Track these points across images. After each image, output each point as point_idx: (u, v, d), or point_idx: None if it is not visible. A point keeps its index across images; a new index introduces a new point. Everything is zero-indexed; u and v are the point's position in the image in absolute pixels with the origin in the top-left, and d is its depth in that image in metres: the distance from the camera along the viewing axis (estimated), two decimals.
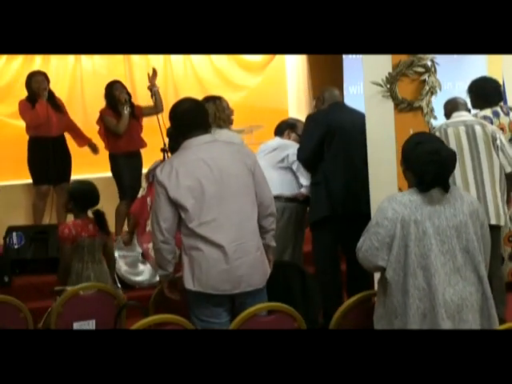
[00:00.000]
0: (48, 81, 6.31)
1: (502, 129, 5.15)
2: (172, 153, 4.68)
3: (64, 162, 6.42)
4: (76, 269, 4.30)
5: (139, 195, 4.88)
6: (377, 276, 3.32)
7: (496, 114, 5.20)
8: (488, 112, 5.19)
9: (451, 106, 4.84)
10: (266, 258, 3.52)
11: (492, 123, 5.16)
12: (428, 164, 2.97)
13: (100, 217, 4.39)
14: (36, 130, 6.25)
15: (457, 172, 4.49)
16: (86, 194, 4.41)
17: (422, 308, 2.97)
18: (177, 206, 3.35)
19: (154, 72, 6.27)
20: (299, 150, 4.71)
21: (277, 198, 4.32)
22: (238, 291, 3.38)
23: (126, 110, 6.16)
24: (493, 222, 4.51)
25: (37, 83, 6.17)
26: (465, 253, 3.01)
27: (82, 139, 6.62)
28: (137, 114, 6.38)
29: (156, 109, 6.27)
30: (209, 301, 3.38)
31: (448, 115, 4.85)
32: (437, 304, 2.95)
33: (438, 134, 4.62)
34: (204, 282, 3.35)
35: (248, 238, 3.40)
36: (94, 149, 6.64)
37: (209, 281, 3.34)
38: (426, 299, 2.96)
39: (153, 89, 6.28)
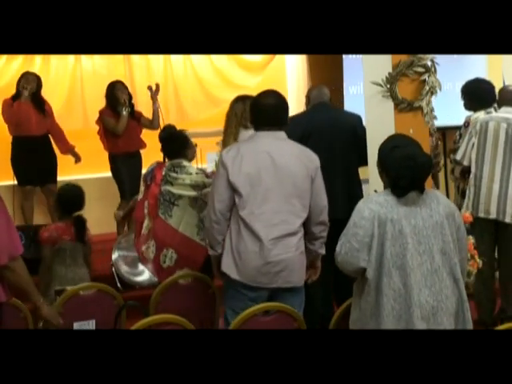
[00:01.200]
0: (39, 82, 6.31)
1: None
2: (167, 156, 4.70)
3: (49, 162, 6.41)
4: (59, 272, 4.35)
5: (138, 199, 4.88)
6: None
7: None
8: (481, 114, 5.19)
9: (504, 97, 4.82)
10: (305, 260, 3.53)
11: None
12: (403, 169, 2.96)
13: (79, 223, 4.43)
14: (16, 129, 6.24)
15: (486, 165, 4.53)
16: (71, 197, 4.48)
17: (398, 308, 2.94)
18: (233, 191, 3.38)
19: (157, 87, 6.29)
20: None
21: None
22: (274, 286, 3.42)
23: (125, 111, 6.16)
24: (508, 220, 4.53)
25: (24, 81, 6.19)
26: (442, 254, 2.99)
27: (64, 145, 6.58)
28: (136, 114, 6.38)
29: (152, 125, 6.29)
30: (245, 292, 3.41)
31: (500, 104, 4.85)
32: (412, 304, 2.91)
33: (478, 125, 4.65)
34: (242, 272, 3.39)
35: (290, 236, 3.42)
36: (77, 157, 6.61)
37: (246, 271, 3.38)
38: (402, 299, 2.94)
39: (153, 106, 6.28)
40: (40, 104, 6.33)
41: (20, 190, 6.41)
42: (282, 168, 3.43)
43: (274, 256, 3.37)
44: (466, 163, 4.71)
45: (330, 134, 4.40)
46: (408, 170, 2.96)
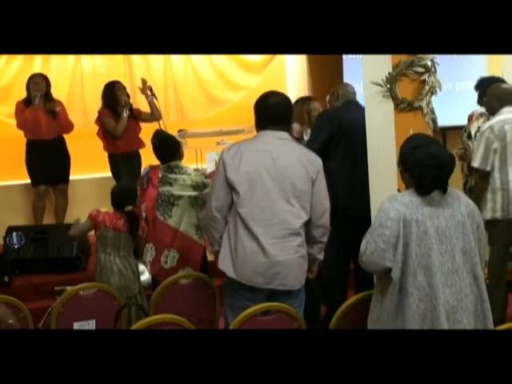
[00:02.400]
0: (48, 84, 6.31)
1: None
2: (161, 160, 4.71)
3: (62, 163, 6.44)
4: (99, 259, 4.44)
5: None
6: None
7: None
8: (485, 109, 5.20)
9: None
10: (306, 264, 3.52)
11: (489, 120, 5.16)
12: (428, 168, 2.97)
13: (131, 217, 4.51)
14: (28, 133, 6.30)
15: (510, 167, 4.48)
16: (121, 192, 4.61)
17: (422, 308, 2.96)
18: (231, 189, 3.38)
19: (144, 82, 6.31)
20: (306, 146, 4.69)
21: None
22: (270, 287, 3.41)
23: (126, 113, 6.16)
24: None
25: (33, 85, 6.21)
26: (462, 254, 3.01)
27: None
28: (136, 113, 6.38)
29: (153, 117, 6.29)
30: (243, 292, 3.41)
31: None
32: (438, 303, 2.94)
33: (496, 131, 4.54)
34: (238, 270, 3.39)
35: (289, 238, 3.41)
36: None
37: (243, 270, 3.38)
38: (427, 299, 2.96)
39: (147, 99, 6.29)
40: (51, 108, 6.32)
41: (33, 190, 6.44)
42: (283, 168, 3.42)
43: (271, 256, 3.36)
44: (488, 168, 4.59)
45: (361, 132, 4.41)
46: (432, 168, 2.97)
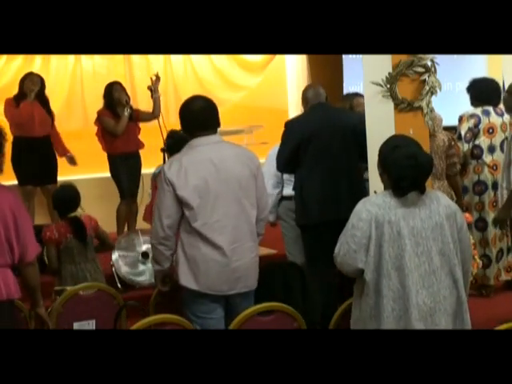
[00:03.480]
0: (43, 83, 6.31)
1: (491, 128, 5.13)
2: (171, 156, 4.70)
3: (49, 163, 6.40)
4: (70, 271, 4.38)
5: (147, 202, 4.88)
6: None
7: (486, 113, 5.17)
8: (478, 110, 5.19)
9: None
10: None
11: (480, 122, 5.15)
12: (405, 168, 2.96)
13: (75, 223, 4.45)
14: (18, 129, 6.22)
15: None
16: (65, 199, 4.52)
17: (397, 309, 2.95)
18: (182, 205, 3.37)
19: (157, 78, 6.27)
20: (276, 158, 4.63)
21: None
22: (234, 292, 3.43)
23: (127, 112, 6.15)
24: None
25: (29, 82, 6.19)
26: (441, 255, 2.99)
27: (62, 148, 6.56)
28: (135, 115, 6.37)
29: (153, 114, 6.28)
30: (206, 298, 3.41)
31: None
32: (410, 305, 2.92)
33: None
34: (202, 282, 3.38)
35: (246, 239, 3.45)
36: (72, 161, 6.58)
37: (207, 281, 3.38)
38: (400, 300, 2.94)
39: (154, 95, 6.27)
40: (45, 104, 6.33)
41: (20, 190, 6.40)
42: (226, 172, 3.41)
43: (233, 262, 3.39)
44: None
45: (331, 134, 4.38)
46: (409, 169, 2.95)
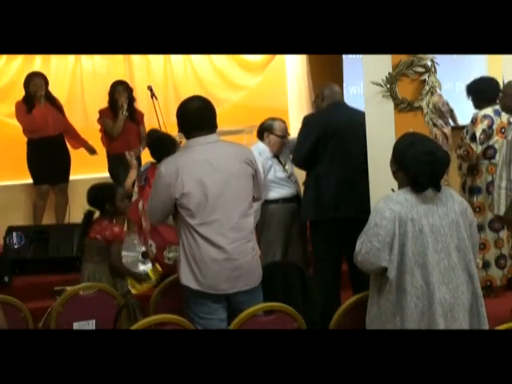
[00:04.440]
0: (47, 83, 6.31)
1: (503, 127, 5.13)
2: (158, 159, 4.68)
3: (63, 161, 6.43)
4: (88, 270, 4.32)
5: (133, 199, 4.87)
6: None
7: (497, 113, 5.18)
8: (489, 111, 5.18)
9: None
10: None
11: (493, 122, 5.15)
12: (424, 165, 2.97)
13: (86, 218, 4.38)
14: (33, 134, 6.27)
15: None
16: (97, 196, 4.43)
17: (421, 306, 2.97)
18: (178, 205, 3.37)
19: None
20: (294, 153, 4.65)
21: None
22: (235, 290, 3.42)
23: (122, 115, 6.15)
24: None
25: (34, 87, 6.19)
26: (457, 251, 3.03)
27: (77, 141, 6.60)
28: (137, 118, 6.36)
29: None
30: (207, 298, 3.41)
31: None
32: (434, 301, 2.95)
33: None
34: (203, 282, 3.38)
35: (246, 238, 3.44)
36: (91, 150, 6.62)
37: (208, 280, 3.37)
38: (424, 297, 2.97)
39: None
40: (56, 104, 6.35)
41: (36, 189, 6.43)
42: (224, 171, 3.40)
43: (234, 260, 3.38)
44: None
45: (351, 133, 4.37)
46: (428, 165, 2.97)
